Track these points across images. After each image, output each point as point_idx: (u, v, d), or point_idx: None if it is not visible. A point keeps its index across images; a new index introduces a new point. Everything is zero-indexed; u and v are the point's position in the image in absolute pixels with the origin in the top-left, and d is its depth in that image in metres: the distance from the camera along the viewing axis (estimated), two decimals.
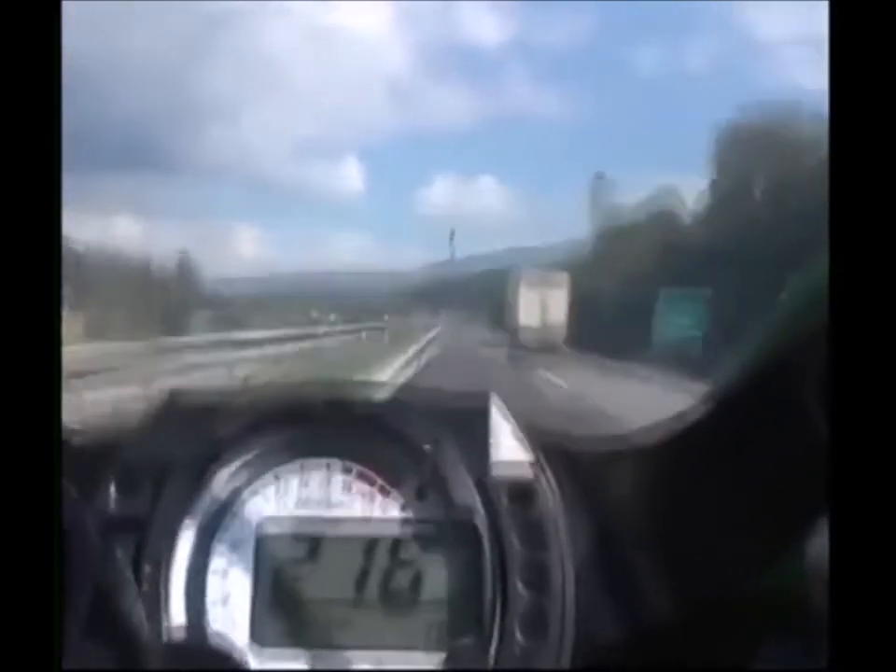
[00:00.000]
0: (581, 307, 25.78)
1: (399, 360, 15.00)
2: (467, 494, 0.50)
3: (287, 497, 0.53)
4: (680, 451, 0.52)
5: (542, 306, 25.85)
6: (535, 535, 0.50)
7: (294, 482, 0.53)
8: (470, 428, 0.52)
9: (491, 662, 0.48)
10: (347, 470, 0.53)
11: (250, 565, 0.52)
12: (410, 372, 13.05)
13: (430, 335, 29.31)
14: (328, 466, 0.53)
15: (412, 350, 18.50)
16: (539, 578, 0.49)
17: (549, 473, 0.52)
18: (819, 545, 0.42)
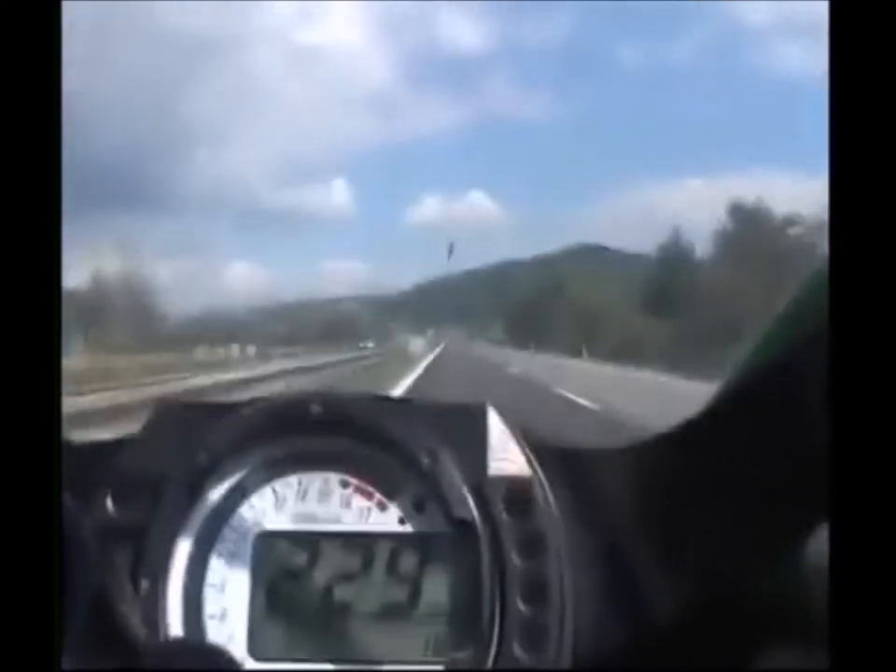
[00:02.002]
0: None
1: None
2: (465, 505, 0.50)
3: (284, 510, 0.53)
4: (680, 455, 0.52)
5: None
6: (533, 545, 0.50)
7: (291, 495, 0.53)
8: (468, 439, 0.52)
9: None
10: (345, 484, 0.53)
11: (247, 578, 0.52)
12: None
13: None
14: (325, 479, 0.53)
15: None
16: (537, 589, 0.49)
17: (547, 482, 0.52)
18: (819, 546, 0.42)
